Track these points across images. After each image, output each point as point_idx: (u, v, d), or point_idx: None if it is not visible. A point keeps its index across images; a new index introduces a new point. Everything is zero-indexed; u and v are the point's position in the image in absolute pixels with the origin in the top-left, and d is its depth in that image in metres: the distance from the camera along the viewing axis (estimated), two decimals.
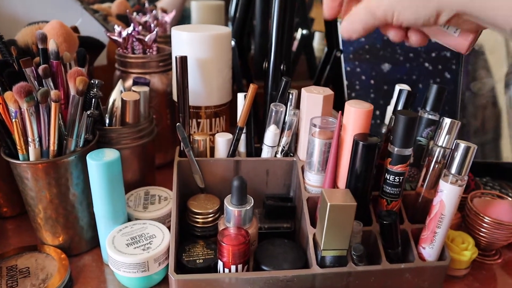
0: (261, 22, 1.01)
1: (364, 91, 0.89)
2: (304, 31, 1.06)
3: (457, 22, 0.43)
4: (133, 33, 0.80)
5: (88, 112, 0.59)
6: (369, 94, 0.89)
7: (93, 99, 0.60)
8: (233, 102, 0.74)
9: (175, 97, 0.71)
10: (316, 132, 0.57)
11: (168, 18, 1.04)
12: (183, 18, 1.21)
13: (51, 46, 0.58)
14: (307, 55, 1.09)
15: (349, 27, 0.47)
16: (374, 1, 0.44)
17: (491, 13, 0.38)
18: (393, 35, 0.47)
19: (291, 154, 0.65)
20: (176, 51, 0.69)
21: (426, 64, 0.89)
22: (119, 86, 0.69)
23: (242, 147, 0.65)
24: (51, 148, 0.56)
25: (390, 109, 0.68)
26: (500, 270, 0.65)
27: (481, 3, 0.38)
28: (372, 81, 0.89)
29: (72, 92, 0.57)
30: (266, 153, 0.63)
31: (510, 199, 0.68)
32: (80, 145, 0.59)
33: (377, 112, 0.87)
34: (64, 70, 0.61)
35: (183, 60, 0.61)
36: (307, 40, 1.07)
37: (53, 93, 0.53)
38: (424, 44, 0.47)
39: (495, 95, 0.85)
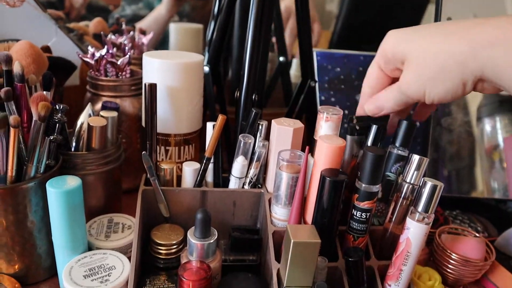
0: (238, 47, 1.01)
1: None
2: (281, 58, 1.06)
3: (482, 87, 0.46)
4: (106, 56, 0.78)
5: (51, 137, 0.57)
6: (343, 124, 0.89)
7: (57, 124, 0.59)
8: (203, 129, 0.73)
9: (144, 123, 0.69)
10: (284, 166, 0.56)
11: (145, 40, 1.03)
12: (163, 40, 1.20)
13: (16, 68, 0.57)
14: (283, 83, 1.09)
15: (380, 103, 0.53)
16: (404, 83, 0.49)
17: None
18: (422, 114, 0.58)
19: (259, 186, 0.64)
20: (147, 77, 0.68)
21: None
22: (87, 110, 0.67)
23: (209, 177, 0.64)
24: (9, 174, 0.54)
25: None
26: None
27: (502, 71, 0.42)
28: (346, 111, 0.89)
29: (34, 117, 0.55)
30: (233, 184, 0.62)
31: (477, 235, 0.68)
32: (41, 171, 0.57)
33: None
34: (29, 93, 0.59)
35: (152, 87, 0.60)
36: (284, 67, 1.07)
37: (12, 118, 0.52)
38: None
39: (466, 129, 0.86)
